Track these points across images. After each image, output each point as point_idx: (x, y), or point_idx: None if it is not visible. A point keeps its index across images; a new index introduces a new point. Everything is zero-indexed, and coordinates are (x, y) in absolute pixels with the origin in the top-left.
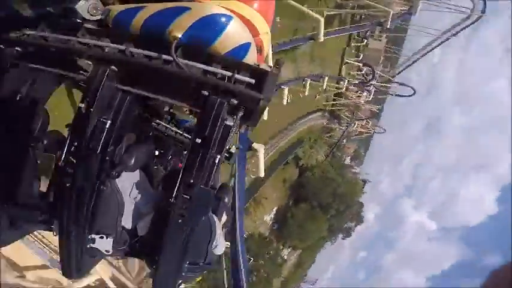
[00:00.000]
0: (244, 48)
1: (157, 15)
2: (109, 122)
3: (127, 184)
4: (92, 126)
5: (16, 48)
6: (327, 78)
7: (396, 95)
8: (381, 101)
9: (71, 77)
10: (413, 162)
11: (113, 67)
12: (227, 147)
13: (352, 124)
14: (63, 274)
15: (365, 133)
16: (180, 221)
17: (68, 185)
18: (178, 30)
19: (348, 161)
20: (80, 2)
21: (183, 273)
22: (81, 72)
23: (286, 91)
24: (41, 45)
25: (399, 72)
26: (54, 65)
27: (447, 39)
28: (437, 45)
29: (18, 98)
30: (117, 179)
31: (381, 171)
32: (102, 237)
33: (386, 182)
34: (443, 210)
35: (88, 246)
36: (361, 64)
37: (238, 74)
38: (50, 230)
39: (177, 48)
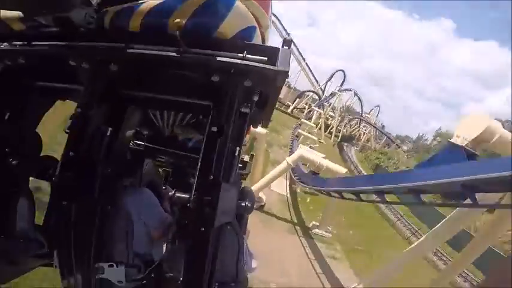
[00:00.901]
0: (250, 31)
1: (158, 8)
2: (110, 129)
3: (135, 204)
4: (91, 135)
5: (4, 62)
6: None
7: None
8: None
9: (66, 90)
10: None
11: (112, 66)
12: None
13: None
14: None
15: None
16: (202, 229)
17: (65, 203)
18: (181, 18)
19: None
20: (75, 9)
21: None
22: (77, 81)
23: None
24: (32, 56)
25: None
26: (48, 77)
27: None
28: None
29: (6, 119)
30: (124, 198)
31: None
32: (111, 266)
33: None
34: None
35: (96, 277)
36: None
37: (248, 54)
38: (51, 264)
39: (182, 36)
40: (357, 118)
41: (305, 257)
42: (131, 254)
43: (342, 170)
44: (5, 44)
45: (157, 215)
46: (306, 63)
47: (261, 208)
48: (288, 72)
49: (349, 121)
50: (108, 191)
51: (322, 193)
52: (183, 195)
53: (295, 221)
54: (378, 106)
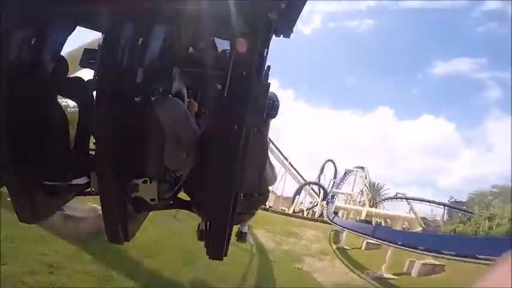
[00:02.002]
0: None
1: None
2: (141, 39)
3: (166, 113)
4: (124, 42)
5: None
6: None
7: None
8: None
9: (89, 13)
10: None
11: None
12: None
13: None
14: (109, 239)
15: None
16: (236, 127)
17: (103, 111)
18: None
19: None
20: None
21: (240, 210)
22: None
23: None
24: None
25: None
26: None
27: None
28: None
29: (32, 43)
30: (156, 106)
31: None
32: (145, 182)
33: None
34: None
35: (132, 196)
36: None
37: None
38: (90, 192)
39: None
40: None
41: None
42: (163, 168)
43: None
44: None
45: (188, 125)
46: (290, 163)
47: None
48: None
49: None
50: (143, 96)
51: None
52: (215, 92)
53: None
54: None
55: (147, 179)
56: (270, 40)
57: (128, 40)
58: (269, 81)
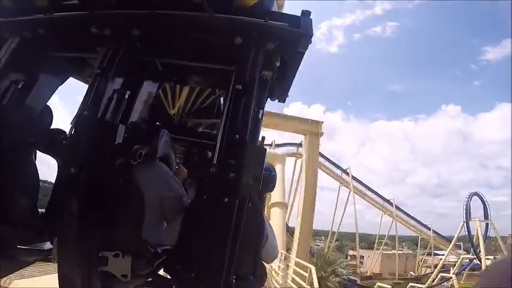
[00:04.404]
0: (269, 2)
1: None
2: (128, 92)
3: (149, 178)
4: (109, 96)
5: (23, 33)
6: None
7: None
8: None
9: (82, 62)
10: None
11: (134, 31)
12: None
13: None
14: None
15: None
16: (226, 200)
17: (72, 170)
18: None
19: None
20: None
21: None
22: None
23: None
24: (53, 26)
25: None
26: (66, 48)
27: None
28: None
29: (19, 87)
30: (137, 171)
31: None
32: (117, 255)
33: None
34: None
35: (98, 269)
36: None
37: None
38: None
39: (207, 2)
40: None
41: None
42: (140, 240)
43: None
44: (26, 16)
45: (174, 192)
46: (397, 206)
47: None
48: (311, 36)
49: None
50: (122, 157)
51: None
52: (204, 160)
53: None
54: None
55: (119, 252)
56: (265, 102)
57: (113, 92)
58: (265, 147)
